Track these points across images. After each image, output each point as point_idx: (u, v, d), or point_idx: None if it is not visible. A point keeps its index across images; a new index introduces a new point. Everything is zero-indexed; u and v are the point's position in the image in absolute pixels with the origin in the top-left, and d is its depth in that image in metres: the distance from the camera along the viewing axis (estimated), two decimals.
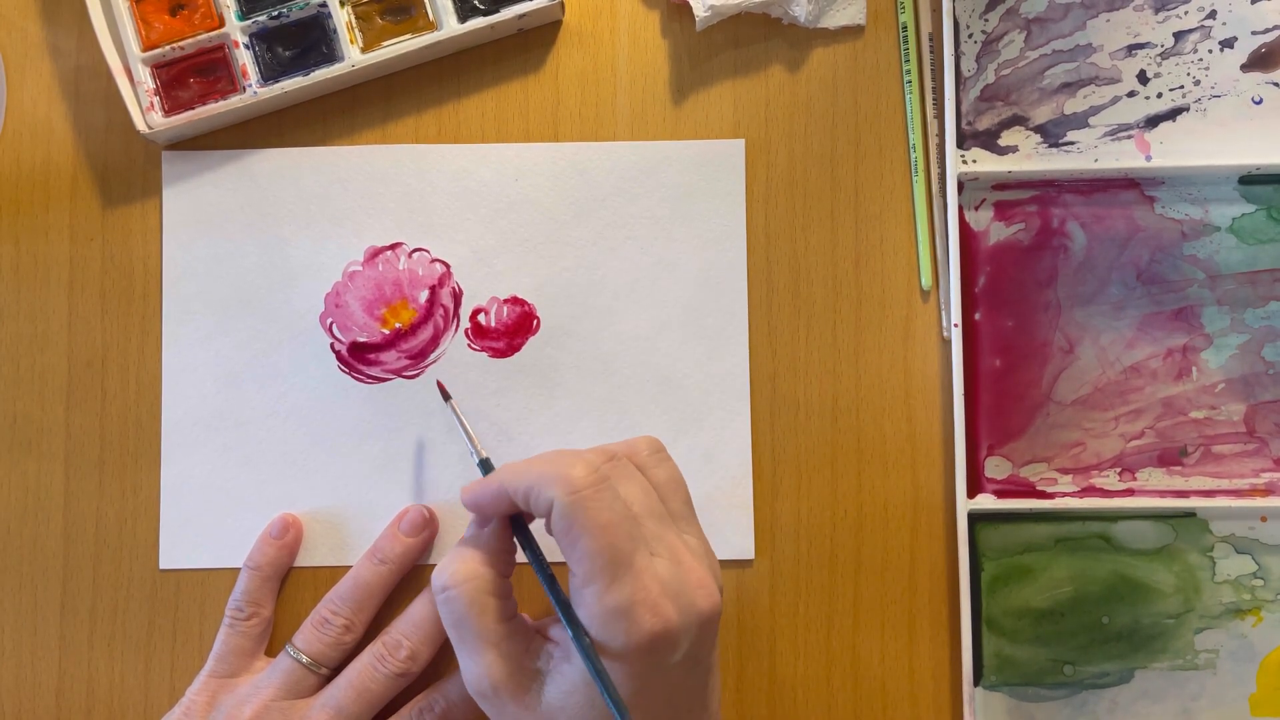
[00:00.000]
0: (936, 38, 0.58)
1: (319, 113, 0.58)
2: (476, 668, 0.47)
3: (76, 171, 0.58)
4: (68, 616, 0.57)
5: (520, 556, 0.50)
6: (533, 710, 0.47)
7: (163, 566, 0.57)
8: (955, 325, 0.56)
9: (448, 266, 0.57)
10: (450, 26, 0.56)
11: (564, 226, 0.58)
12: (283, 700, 0.53)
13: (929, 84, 0.58)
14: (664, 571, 0.46)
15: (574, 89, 0.58)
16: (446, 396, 0.56)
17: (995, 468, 0.57)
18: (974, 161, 0.57)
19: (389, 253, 0.58)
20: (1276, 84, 0.57)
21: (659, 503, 0.48)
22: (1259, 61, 0.58)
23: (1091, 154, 0.57)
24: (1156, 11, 0.58)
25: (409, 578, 0.56)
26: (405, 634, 0.54)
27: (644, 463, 0.49)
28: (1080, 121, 0.57)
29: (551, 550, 0.49)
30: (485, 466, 0.53)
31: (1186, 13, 0.58)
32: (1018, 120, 0.58)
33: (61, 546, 0.57)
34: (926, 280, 0.57)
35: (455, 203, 0.58)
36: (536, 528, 0.50)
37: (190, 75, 0.56)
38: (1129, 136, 0.57)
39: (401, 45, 0.56)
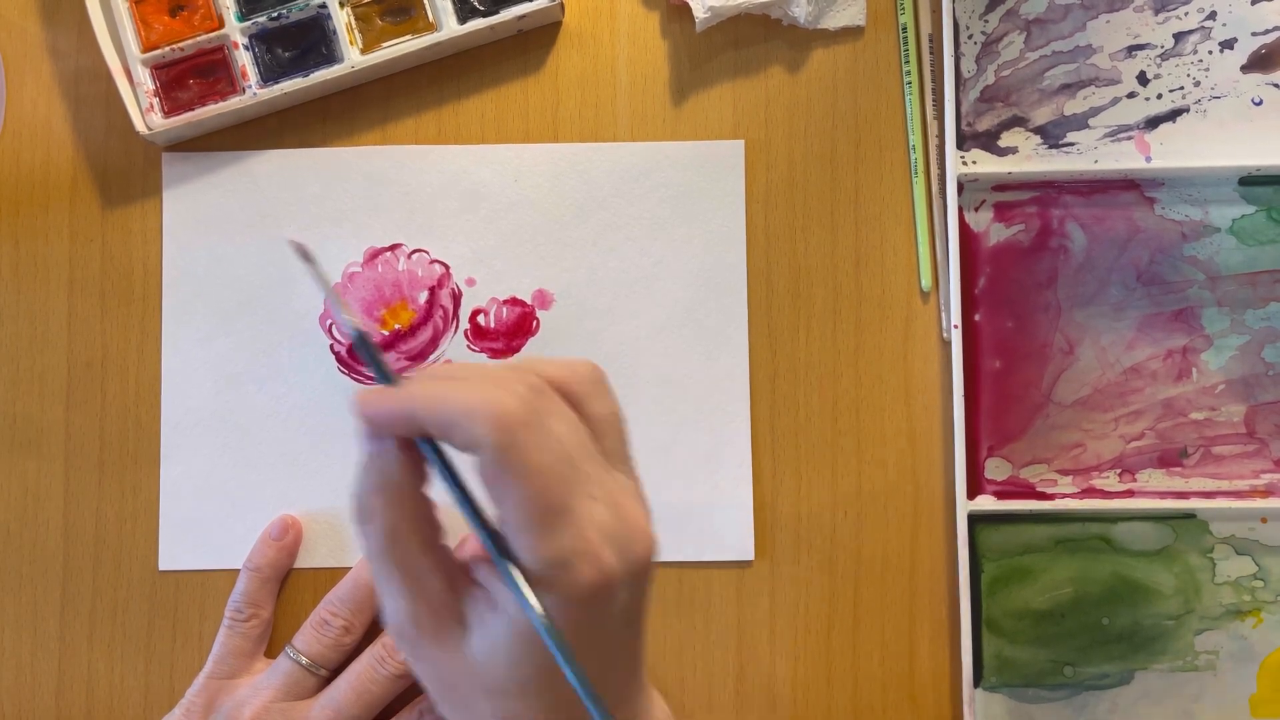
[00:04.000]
0: (936, 39, 0.58)
1: (319, 114, 0.58)
2: (393, 606, 0.41)
3: (76, 172, 0.58)
4: (67, 617, 0.57)
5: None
6: (454, 655, 0.41)
7: (162, 567, 0.57)
8: (955, 326, 0.56)
9: (447, 267, 0.57)
10: (450, 27, 0.56)
11: (564, 227, 0.58)
12: (282, 702, 0.53)
13: (929, 85, 0.58)
14: (602, 517, 0.40)
15: (574, 90, 0.58)
16: (308, 258, 0.44)
17: (995, 469, 0.57)
18: (974, 163, 0.57)
19: (388, 254, 0.58)
20: (1276, 85, 0.57)
21: (591, 440, 0.41)
22: (1259, 63, 0.57)
23: (1091, 155, 0.57)
24: (1156, 13, 0.58)
25: None
26: None
27: (583, 393, 0.42)
28: (1080, 123, 0.57)
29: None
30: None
31: (1186, 14, 0.58)
32: (1018, 121, 0.58)
33: (61, 547, 0.57)
34: (926, 281, 0.57)
35: (455, 204, 0.58)
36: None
37: (190, 76, 0.56)
38: (1129, 137, 0.57)
39: (401, 46, 0.56)
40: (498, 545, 0.40)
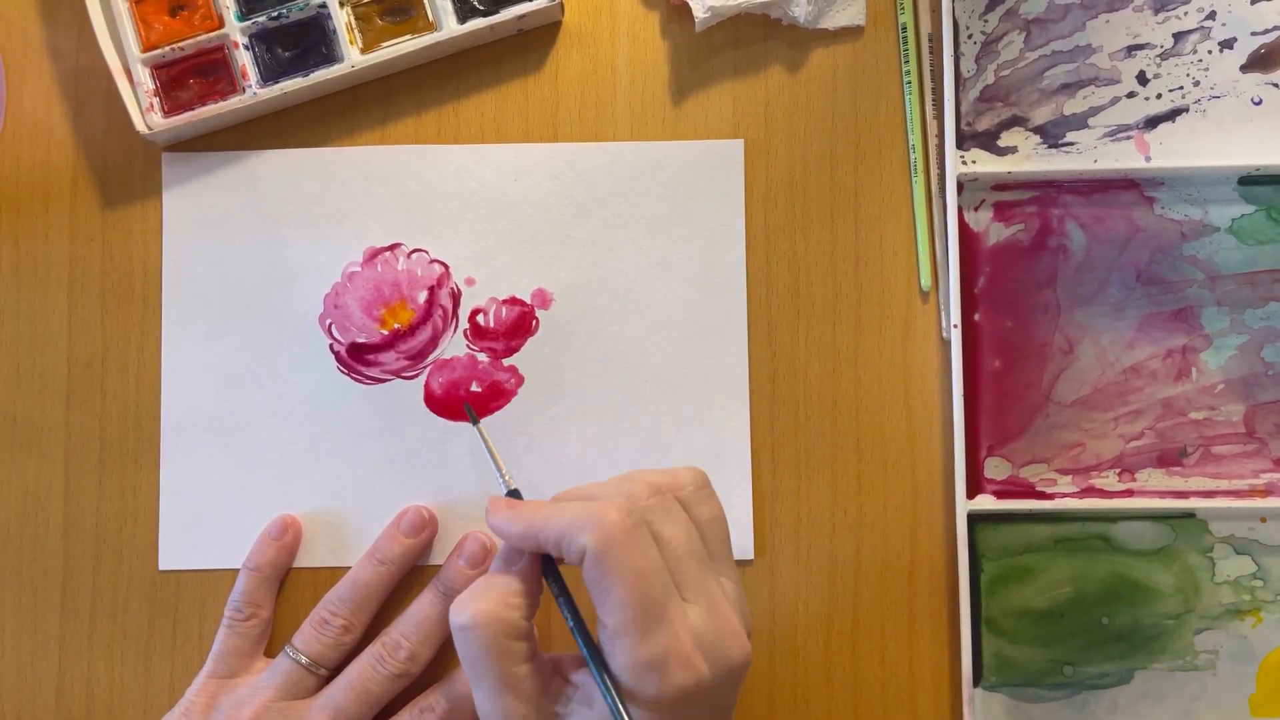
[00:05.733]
0: (936, 38, 0.58)
1: (319, 114, 0.58)
2: (490, 708, 0.46)
3: (76, 172, 0.58)
4: (67, 617, 0.57)
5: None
6: None
7: (162, 567, 0.57)
8: (955, 326, 0.56)
9: (446, 267, 0.57)
10: (450, 27, 0.56)
11: (563, 227, 0.58)
12: (282, 701, 0.53)
13: (928, 85, 0.58)
14: (698, 621, 0.44)
15: (573, 90, 0.58)
16: (475, 420, 0.56)
17: (995, 468, 0.57)
18: (973, 162, 0.57)
19: (388, 253, 0.58)
20: (1276, 85, 0.57)
21: (700, 544, 0.46)
22: (1258, 62, 0.57)
23: (1091, 155, 0.57)
24: (1156, 12, 0.58)
25: (408, 578, 0.56)
26: (405, 634, 0.54)
27: (688, 498, 0.47)
28: (1080, 122, 0.57)
29: (579, 592, 0.47)
30: (515, 497, 0.52)
31: (1186, 14, 0.58)
32: (1017, 121, 0.58)
33: (61, 547, 0.57)
34: (926, 281, 0.57)
35: (454, 203, 0.58)
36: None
37: (190, 76, 0.56)
38: (1128, 137, 0.57)
39: (401, 46, 0.56)
40: (595, 656, 0.45)
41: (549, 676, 0.47)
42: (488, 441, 0.54)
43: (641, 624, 0.43)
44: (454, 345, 0.57)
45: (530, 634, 0.46)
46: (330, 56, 0.56)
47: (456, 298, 0.57)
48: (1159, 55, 0.58)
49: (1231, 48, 0.57)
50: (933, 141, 0.58)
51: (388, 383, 0.57)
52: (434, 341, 0.57)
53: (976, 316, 0.57)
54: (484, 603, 0.45)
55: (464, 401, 0.56)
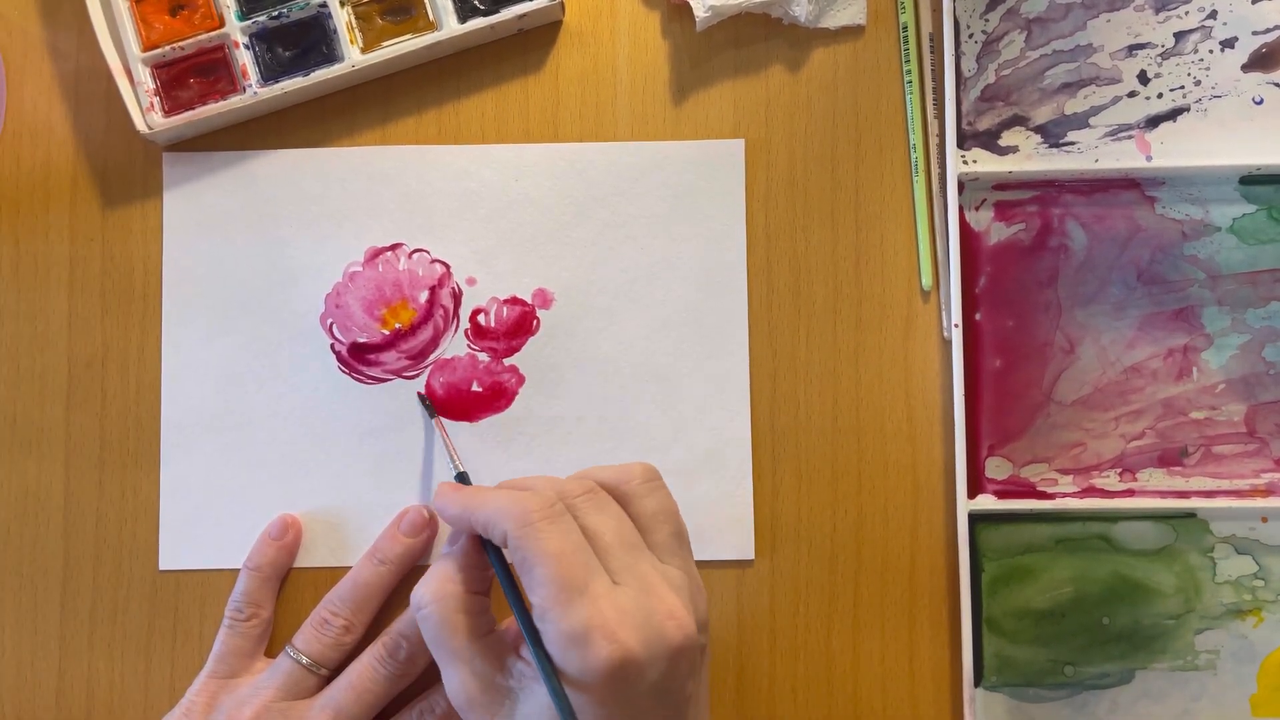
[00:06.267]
0: (937, 38, 0.58)
1: (319, 113, 0.58)
2: (451, 682, 0.48)
3: (76, 172, 0.58)
4: (68, 617, 0.57)
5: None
6: None
7: (162, 567, 0.57)
8: (956, 325, 0.56)
9: (447, 267, 0.57)
10: (450, 27, 0.56)
11: (564, 226, 0.58)
12: (283, 701, 0.53)
13: (929, 84, 0.58)
14: (626, 600, 0.45)
15: (574, 89, 0.58)
16: (433, 413, 0.56)
17: (996, 468, 0.57)
18: (974, 161, 0.57)
19: (389, 253, 0.58)
20: (1277, 84, 0.57)
21: (634, 533, 0.48)
22: (1259, 62, 0.57)
23: (1092, 154, 0.57)
24: (1157, 12, 0.58)
25: (409, 578, 0.56)
26: (405, 634, 0.54)
27: (633, 491, 0.49)
28: (1081, 121, 0.57)
29: None
30: (463, 480, 0.54)
31: (1187, 13, 0.58)
32: (1018, 120, 0.58)
33: (61, 547, 0.57)
34: (927, 280, 0.57)
35: (455, 203, 0.58)
36: None
37: (190, 75, 0.56)
38: (1129, 136, 0.57)
39: (401, 45, 0.56)
40: (531, 632, 0.46)
41: (505, 653, 0.48)
42: (444, 432, 0.56)
43: (563, 599, 0.45)
44: (455, 345, 0.57)
45: (475, 609, 0.49)
46: (331, 56, 0.56)
47: (457, 297, 0.57)
48: (1160, 55, 0.58)
49: (1233, 47, 0.57)
50: (933, 141, 0.58)
51: (389, 382, 0.57)
52: (435, 341, 0.57)
53: (977, 316, 0.57)
54: (427, 584, 0.49)
55: (420, 394, 0.57)
